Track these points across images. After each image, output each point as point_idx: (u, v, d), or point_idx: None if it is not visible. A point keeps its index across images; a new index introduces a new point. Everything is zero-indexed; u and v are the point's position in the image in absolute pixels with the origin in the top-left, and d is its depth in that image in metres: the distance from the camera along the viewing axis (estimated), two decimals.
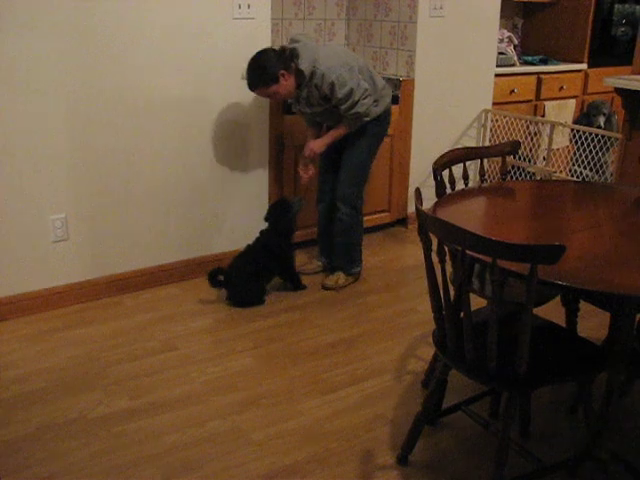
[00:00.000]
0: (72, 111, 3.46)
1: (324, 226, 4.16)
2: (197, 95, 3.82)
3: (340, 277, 4.08)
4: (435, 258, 2.14)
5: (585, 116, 5.61)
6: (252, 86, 3.58)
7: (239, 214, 4.18)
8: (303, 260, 4.32)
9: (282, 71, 3.52)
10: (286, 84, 3.56)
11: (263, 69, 3.51)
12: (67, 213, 3.57)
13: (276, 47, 3.65)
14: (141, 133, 3.70)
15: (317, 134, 3.95)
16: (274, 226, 3.88)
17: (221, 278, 3.76)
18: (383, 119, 3.87)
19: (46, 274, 3.61)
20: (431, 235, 2.16)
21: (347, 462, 2.55)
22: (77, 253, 3.66)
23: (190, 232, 4.02)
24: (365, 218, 4.17)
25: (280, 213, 3.87)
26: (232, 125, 3.99)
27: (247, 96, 3.97)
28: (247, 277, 3.77)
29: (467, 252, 2.00)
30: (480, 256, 1.99)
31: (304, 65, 3.53)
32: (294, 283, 4.00)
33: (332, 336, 3.47)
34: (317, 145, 3.84)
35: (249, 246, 3.88)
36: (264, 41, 3.96)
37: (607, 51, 6.54)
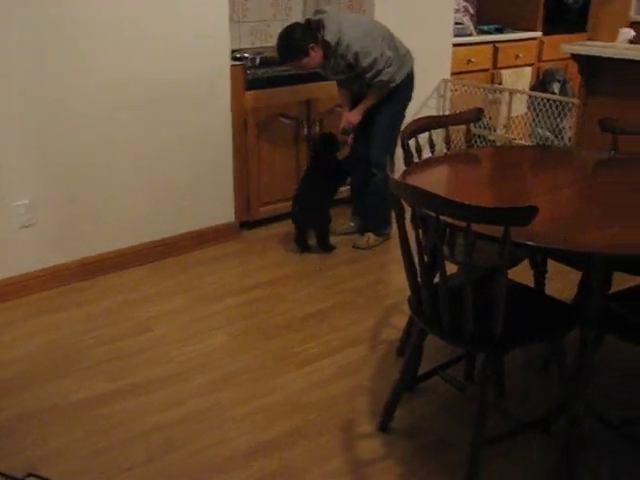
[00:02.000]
0: (34, 95, 3.40)
1: (359, 189, 4.29)
2: (160, 75, 3.78)
3: (370, 237, 4.26)
4: (409, 225, 2.17)
5: (540, 83, 5.67)
6: (284, 60, 3.83)
7: (206, 193, 4.16)
8: (334, 221, 4.34)
9: (311, 44, 3.72)
10: (315, 55, 3.75)
11: (293, 44, 3.71)
12: (31, 199, 3.52)
13: (302, 21, 3.89)
14: (105, 115, 3.65)
15: (349, 99, 4.13)
16: (321, 163, 4.11)
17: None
18: (407, 83, 4.03)
19: (15, 261, 3.57)
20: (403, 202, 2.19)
21: (328, 433, 2.58)
22: (45, 238, 3.62)
23: (158, 213, 4.00)
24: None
25: (326, 148, 4.12)
26: (195, 104, 3.96)
27: (209, 74, 3.95)
28: (314, 198, 4.06)
29: (441, 217, 2.03)
30: (453, 221, 2.02)
31: (329, 36, 3.71)
32: (324, 245, 4.20)
33: (304, 310, 3.49)
34: (353, 116, 4.05)
35: (304, 176, 4.18)
36: (222, 16, 3.94)
37: (560, 19, 6.61)
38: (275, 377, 2.93)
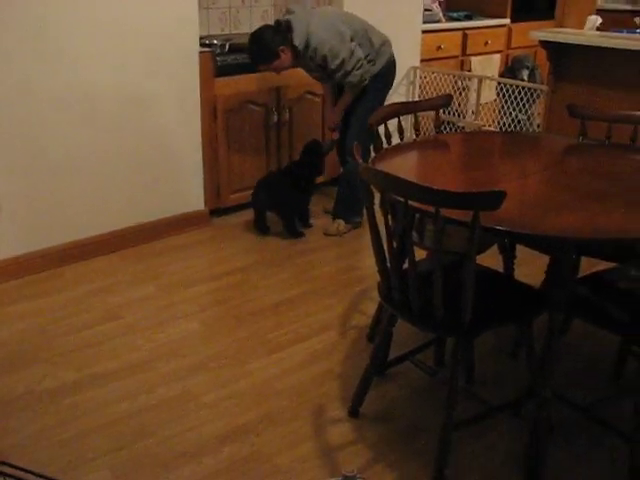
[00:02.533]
0: (3, 85, 3.36)
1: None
2: (127, 61, 3.74)
3: (341, 224, 4.28)
4: (378, 211, 2.17)
5: (509, 70, 5.71)
6: (256, 64, 3.89)
7: (175, 180, 4.14)
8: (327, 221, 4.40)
9: (281, 47, 3.76)
10: (286, 57, 3.80)
11: (263, 48, 3.77)
12: None
13: (271, 23, 3.93)
14: (73, 101, 3.61)
15: (331, 93, 4.20)
16: (304, 163, 4.15)
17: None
18: (383, 75, 4.06)
19: None
20: (373, 189, 2.19)
21: (299, 418, 2.59)
22: (11, 227, 3.57)
23: (127, 200, 3.97)
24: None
25: (312, 153, 4.15)
26: (163, 91, 3.92)
27: (177, 60, 3.92)
28: (277, 184, 4.12)
29: (410, 203, 2.03)
30: (423, 206, 2.03)
31: (297, 40, 3.75)
32: (304, 220, 4.30)
33: (275, 296, 3.48)
34: (335, 116, 4.15)
35: (277, 170, 4.30)
36: (191, 3, 3.90)
37: (528, 6, 6.65)
38: (246, 363, 2.93)
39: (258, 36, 3.79)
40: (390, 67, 4.08)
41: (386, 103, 3.37)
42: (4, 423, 2.55)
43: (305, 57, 3.81)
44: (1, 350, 3.02)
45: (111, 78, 3.71)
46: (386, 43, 4.04)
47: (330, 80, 4.04)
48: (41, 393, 2.72)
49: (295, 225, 4.19)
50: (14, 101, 3.42)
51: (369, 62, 3.93)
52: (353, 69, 3.83)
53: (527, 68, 5.62)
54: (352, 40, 3.84)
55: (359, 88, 3.96)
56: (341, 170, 4.33)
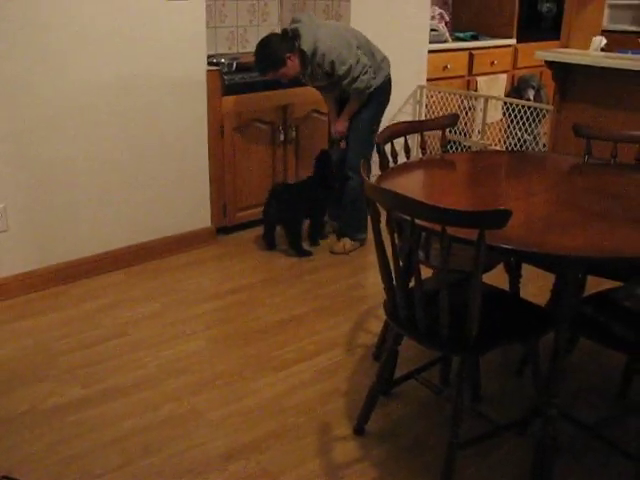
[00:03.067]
0: (9, 100, 3.38)
1: (338, 193, 4.31)
2: (136, 80, 3.77)
3: (347, 243, 4.29)
4: (384, 229, 2.18)
5: (515, 90, 5.74)
6: (262, 72, 3.90)
7: (182, 199, 4.16)
8: (330, 240, 4.43)
9: (288, 54, 3.79)
10: (293, 65, 3.83)
11: (271, 55, 3.79)
12: (6, 203, 3.49)
13: (278, 31, 3.98)
14: (81, 121, 3.63)
15: (334, 104, 4.22)
16: (318, 176, 4.20)
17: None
18: (384, 88, 4.09)
19: None
20: (379, 207, 2.20)
21: (305, 436, 2.59)
22: (19, 244, 3.59)
23: (134, 218, 3.98)
24: None
25: (324, 163, 4.20)
26: (171, 109, 3.95)
27: (185, 79, 3.95)
28: (292, 197, 4.12)
29: (416, 221, 2.04)
30: (429, 224, 2.04)
31: (305, 46, 3.78)
32: (316, 235, 4.34)
33: (281, 314, 3.49)
34: (340, 125, 4.14)
35: (291, 183, 4.35)
36: (199, 21, 3.94)
37: (534, 27, 6.69)
38: (252, 381, 2.93)
39: (265, 44, 3.82)
40: (388, 84, 4.12)
41: (393, 122, 3.39)
42: (9, 440, 2.55)
43: (312, 64, 3.84)
44: (6, 366, 3.02)
45: (119, 96, 3.74)
46: (385, 60, 4.09)
47: (334, 89, 4.07)
48: (47, 410, 2.72)
49: (300, 242, 4.20)
50: (19, 119, 3.45)
51: (372, 74, 3.96)
52: (360, 75, 3.86)
53: (533, 88, 5.65)
54: (358, 48, 3.90)
55: (365, 96, 3.99)
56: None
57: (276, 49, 3.77)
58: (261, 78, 4.16)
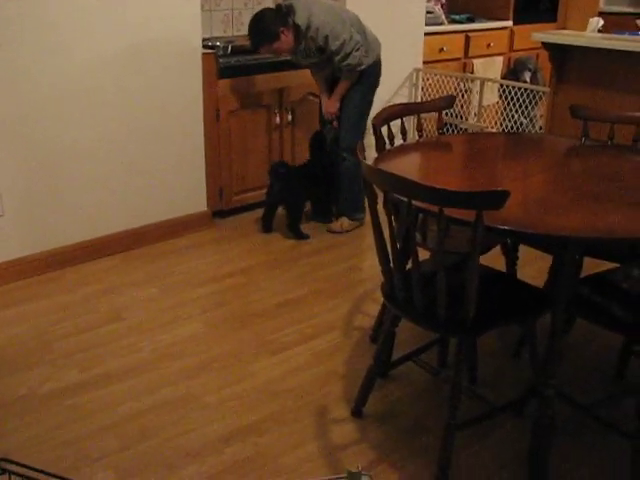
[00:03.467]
0: (5, 85, 3.35)
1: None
2: (130, 64, 3.75)
3: (344, 222, 4.31)
4: (381, 211, 2.17)
5: (512, 72, 5.71)
6: (256, 46, 3.87)
7: (178, 182, 4.14)
8: (307, 205, 4.42)
9: (282, 28, 3.78)
10: (287, 39, 3.82)
11: (264, 29, 3.78)
12: (1, 188, 3.47)
13: (272, 6, 3.97)
14: (75, 105, 3.61)
15: (325, 84, 4.20)
16: (316, 157, 4.24)
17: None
18: (374, 69, 4.08)
19: None
20: (376, 188, 2.19)
21: (303, 418, 2.59)
22: (14, 229, 3.58)
23: (130, 202, 3.97)
24: None
25: (318, 144, 4.24)
26: (166, 92, 3.93)
27: (180, 62, 3.93)
28: (293, 178, 4.13)
29: (413, 202, 2.03)
30: (426, 206, 2.03)
31: (300, 20, 3.78)
32: (325, 214, 4.42)
33: (278, 298, 3.49)
34: (331, 105, 4.15)
35: (295, 165, 4.32)
36: (194, 4, 3.91)
37: (531, 9, 6.66)
38: (249, 364, 2.93)
39: (259, 18, 3.81)
40: (378, 65, 4.12)
41: (389, 104, 3.37)
42: (7, 424, 2.55)
43: (306, 38, 3.83)
44: (2, 352, 3.02)
45: (113, 79, 3.72)
46: (376, 41, 4.09)
47: (325, 67, 4.06)
48: (44, 395, 2.72)
49: (299, 225, 4.20)
50: (16, 102, 3.43)
51: (364, 52, 3.95)
52: (352, 51, 3.86)
53: (529, 70, 5.62)
54: (351, 26, 3.89)
55: (356, 74, 3.99)
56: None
57: (270, 23, 3.77)
58: (257, 61, 4.15)
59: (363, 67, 3.97)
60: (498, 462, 2.38)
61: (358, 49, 3.88)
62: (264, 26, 3.77)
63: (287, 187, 4.10)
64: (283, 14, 3.79)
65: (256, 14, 3.83)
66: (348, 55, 3.86)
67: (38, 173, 3.59)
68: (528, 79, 5.48)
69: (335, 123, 4.20)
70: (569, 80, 4.29)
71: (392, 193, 2.12)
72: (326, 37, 3.80)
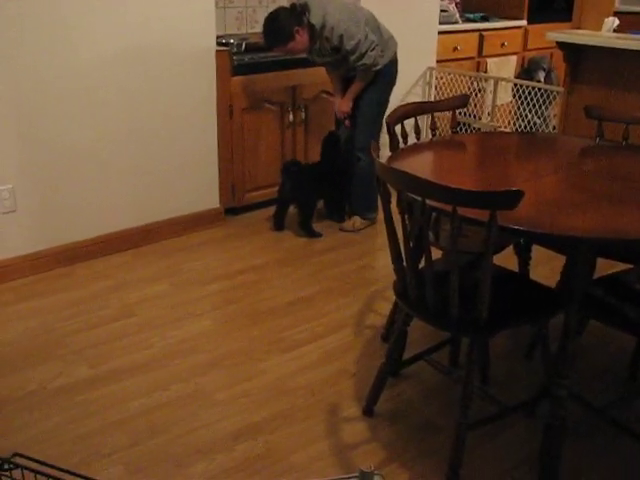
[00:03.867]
0: (15, 80, 3.36)
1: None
2: (145, 61, 3.75)
3: (357, 221, 4.32)
4: (395, 210, 2.17)
5: (526, 71, 5.68)
6: (271, 46, 3.86)
7: (190, 179, 4.15)
8: (320, 204, 4.42)
9: (297, 27, 3.76)
10: (301, 39, 3.80)
11: (279, 29, 3.76)
12: (14, 184, 3.49)
13: (287, 5, 3.93)
14: (88, 101, 3.62)
15: (340, 83, 4.18)
16: (327, 158, 4.22)
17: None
18: (390, 68, 4.07)
19: None
20: (389, 187, 2.19)
21: (313, 416, 2.58)
22: (26, 224, 3.59)
23: (142, 198, 3.98)
24: None
25: (332, 144, 4.22)
26: (180, 89, 3.93)
27: (194, 59, 3.93)
28: (305, 176, 4.13)
29: (427, 202, 2.03)
30: (440, 205, 2.02)
31: (315, 19, 3.76)
32: (339, 213, 4.39)
33: (290, 295, 3.48)
34: (344, 105, 4.13)
35: (306, 164, 4.29)
36: (208, 1, 3.92)
37: (545, 8, 6.63)
38: (260, 362, 2.93)
39: (274, 17, 3.79)
40: (394, 63, 4.10)
41: (402, 103, 3.37)
42: (19, 419, 2.56)
43: (321, 37, 3.81)
44: (13, 347, 3.03)
45: (127, 76, 3.72)
46: (392, 39, 4.06)
47: (340, 66, 4.03)
48: (55, 390, 2.73)
49: (311, 223, 4.20)
50: (26, 99, 3.44)
51: (380, 52, 3.94)
52: (367, 51, 3.84)
53: (543, 70, 5.59)
54: (366, 25, 3.87)
55: (371, 74, 3.97)
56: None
57: (285, 23, 3.75)
58: (270, 58, 4.14)
59: (379, 67, 3.95)
60: (509, 462, 2.37)
61: (373, 49, 3.86)
62: (279, 26, 3.76)
63: (299, 186, 4.10)
64: (298, 13, 3.78)
65: (271, 13, 3.82)
66: (363, 55, 3.84)
67: (50, 169, 3.60)
68: (542, 79, 5.46)
69: (347, 122, 4.19)
70: (583, 80, 4.27)
71: (405, 192, 2.11)
72: (341, 36, 3.78)
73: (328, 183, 4.24)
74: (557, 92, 4.68)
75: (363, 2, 4.58)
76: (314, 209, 4.23)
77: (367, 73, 3.96)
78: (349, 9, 3.87)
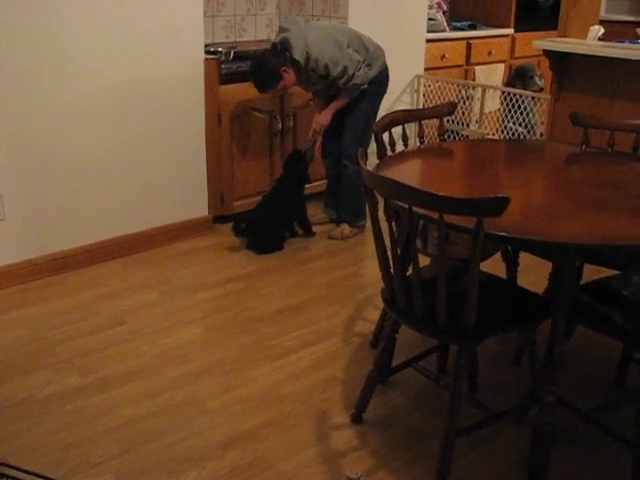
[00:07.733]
0: (4, 88, 3.37)
1: (333, 181, 4.39)
2: (133, 69, 3.76)
3: (345, 228, 4.34)
4: (382, 217, 2.18)
5: (520, 77, 5.73)
6: (262, 91, 3.94)
7: (179, 187, 4.15)
8: (310, 212, 4.44)
9: (283, 67, 3.82)
10: (289, 77, 3.86)
11: (266, 73, 3.83)
12: (3, 192, 3.48)
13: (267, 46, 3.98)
14: (77, 109, 3.62)
15: (322, 102, 4.18)
16: (290, 175, 4.15)
17: (244, 226, 4.07)
18: (380, 78, 4.09)
19: None
20: (377, 194, 2.20)
21: (303, 424, 2.59)
22: (15, 233, 3.59)
23: (131, 207, 3.98)
24: (307, 186, 4.29)
25: (295, 163, 4.16)
26: (168, 98, 3.95)
27: (183, 68, 3.94)
28: (267, 226, 4.06)
29: (414, 209, 2.04)
30: (427, 212, 2.03)
31: (298, 55, 3.79)
32: (305, 229, 4.34)
33: (279, 303, 3.49)
34: (323, 118, 4.10)
35: (266, 196, 4.14)
36: (196, 10, 3.93)
37: (532, 16, 6.68)
38: (250, 370, 2.93)
39: (259, 64, 3.84)
40: (384, 73, 4.12)
41: (390, 110, 3.39)
42: (7, 428, 2.55)
43: (307, 70, 3.84)
44: (4, 355, 3.02)
45: (115, 84, 3.73)
46: (379, 49, 4.08)
47: (330, 90, 4.04)
48: (45, 398, 2.73)
49: (308, 221, 4.31)
50: (17, 106, 3.44)
51: (367, 66, 3.97)
52: (354, 72, 3.86)
53: (530, 77, 5.65)
54: (348, 47, 3.89)
55: (358, 92, 3.99)
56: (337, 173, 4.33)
57: (270, 67, 3.80)
58: None
59: (365, 87, 3.99)
60: (498, 469, 2.38)
61: (360, 69, 3.89)
62: (266, 70, 3.81)
63: (264, 233, 4.11)
64: (280, 52, 3.82)
65: (255, 60, 3.87)
66: (352, 77, 3.87)
67: (40, 178, 3.60)
68: (540, 83, 5.53)
69: (319, 139, 4.18)
70: (570, 87, 4.31)
71: (393, 199, 2.13)
72: (326, 65, 3.81)
73: (290, 207, 4.20)
74: (544, 99, 4.71)
75: (351, 12, 4.61)
76: (303, 207, 4.30)
77: (355, 91, 3.99)
78: (329, 34, 3.88)
